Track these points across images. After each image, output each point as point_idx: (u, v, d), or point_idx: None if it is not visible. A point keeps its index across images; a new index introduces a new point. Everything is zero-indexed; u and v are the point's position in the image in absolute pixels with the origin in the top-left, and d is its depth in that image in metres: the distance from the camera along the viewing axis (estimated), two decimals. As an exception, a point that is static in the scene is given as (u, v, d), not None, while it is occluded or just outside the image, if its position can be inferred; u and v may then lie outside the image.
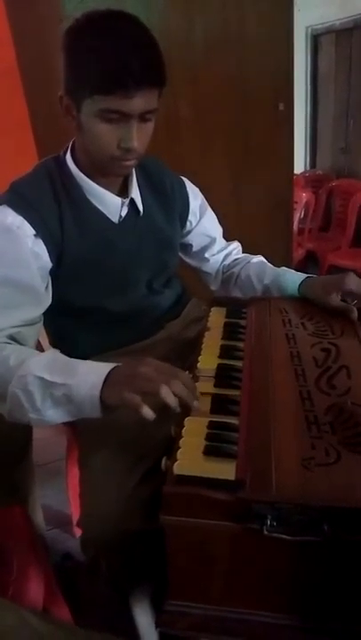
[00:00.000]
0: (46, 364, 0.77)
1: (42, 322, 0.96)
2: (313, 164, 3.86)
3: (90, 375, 0.74)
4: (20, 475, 1.16)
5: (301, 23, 3.27)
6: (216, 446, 0.66)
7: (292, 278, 1.10)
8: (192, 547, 0.64)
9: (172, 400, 0.69)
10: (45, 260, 0.91)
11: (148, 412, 0.69)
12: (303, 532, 0.57)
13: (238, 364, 0.85)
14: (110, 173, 0.94)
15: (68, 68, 0.83)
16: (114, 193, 0.97)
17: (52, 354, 0.82)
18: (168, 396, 0.69)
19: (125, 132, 0.83)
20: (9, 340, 0.85)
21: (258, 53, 1.62)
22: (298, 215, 3.21)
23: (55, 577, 1.09)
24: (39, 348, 1.09)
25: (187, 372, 0.77)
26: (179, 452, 0.66)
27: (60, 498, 1.46)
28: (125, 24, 0.81)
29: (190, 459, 0.65)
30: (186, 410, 0.73)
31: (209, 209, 1.20)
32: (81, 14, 0.82)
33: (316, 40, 3.44)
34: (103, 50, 0.78)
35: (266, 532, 0.58)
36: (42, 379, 0.75)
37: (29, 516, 1.18)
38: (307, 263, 3.32)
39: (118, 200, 0.98)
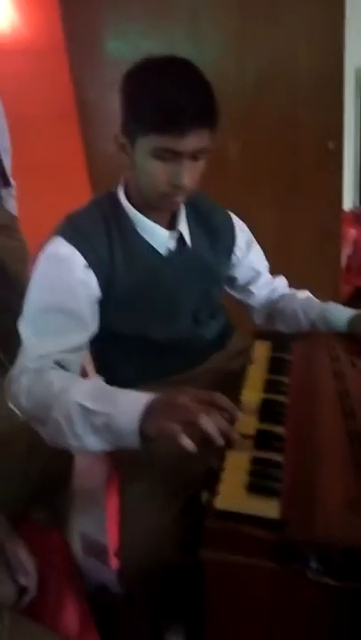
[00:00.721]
0: (88, 392, 0.79)
1: (87, 349, 0.98)
2: (361, 200, 3.83)
3: (130, 405, 0.75)
4: (60, 501, 1.17)
5: (350, 64, 3.31)
6: (260, 483, 0.65)
7: (341, 313, 1.09)
8: (231, 585, 0.62)
9: (211, 428, 0.69)
10: (94, 290, 0.94)
11: (187, 442, 0.69)
12: (348, 578, 0.55)
13: (283, 399, 0.84)
14: (160, 208, 0.97)
15: (126, 107, 0.88)
16: (163, 226, 1.01)
17: (95, 382, 0.84)
18: (208, 424, 0.69)
19: (176, 170, 0.86)
20: (55, 365, 0.88)
21: (308, 92, 1.65)
22: (346, 251, 3.17)
23: (90, 607, 1.08)
24: (84, 374, 1.11)
25: None
26: (221, 486, 0.65)
27: (98, 527, 1.45)
28: (181, 67, 0.86)
29: (232, 494, 0.64)
30: (227, 442, 0.72)
31: (255, 243, 1.21)
32: (140, 58, 0.88)
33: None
34: (159, 91, 0.82)
35: (309, 576, 0.56)
36: (83, 406, 0.76)
37: (67, 543, 1.18)
38: (354, 300, 3.25)
39: (166, 233, 1.01)
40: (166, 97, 0.81)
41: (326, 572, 0.56)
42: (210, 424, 0.69)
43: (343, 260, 3.21)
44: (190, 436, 0.69)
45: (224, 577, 0.61)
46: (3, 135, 1.68)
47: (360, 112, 3.59)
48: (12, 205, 1.79)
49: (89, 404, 0.76)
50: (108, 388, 0.81)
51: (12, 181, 1.76)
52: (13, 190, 1.78)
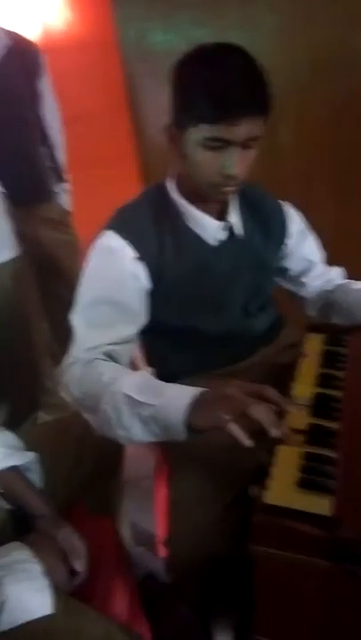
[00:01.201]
0: (136, 384, 0.79)
1: (136, 340, 0.99)
2: None
3: (177, 398, 0.75)
4: (111, 489, 1.19)
5: None
6: (311, 479, 0.64)
7: None
8: (281, 581, 0.61)
9: (264, 417, 0.68)
10: (144, 282, 0.95)
11: (237, 431, 0.68)
12: None
13: (337, 393, 0.82)
14: (211, 199, 0.96)
15: (177, 98, 0.87)
16: (213, 217, 0.99)
17: (143, 374, 0.84)
18: (259, 413, 0.68)
19: (227, 160, 0.85)
20: (104, 357, 0.89)
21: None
22: None
23: (138, 595, 1.10)
24: (134, 366, 1.13)
25: None
26: (270, 481, 0.64)
27: (147, 516, 1.47)
28: (232, 55, 0.84)
29: (282, 489, 0.63)
30: (278, 436, 0.71)
31: (309, 234, 1.18)
32: (191, 48, 0.87)
33: None
34: (209, 80, 0.81)
35: (362, 576, 0.54)
36: (131, 397, 0.77)
37: (118, 530, 1.20)
38: None
39: (216, 224, 0.99)
40: (218, 86, 0.80)
41: (381, 573, 0.54)
42: (261, 413, 0.68)
43: None
44: (242, 428, 0.68)
45: (273, 572, 0.61)
46: (57, 131, 1.71)
47: None
48: (66, 201, 1.83)
49: (136, 396, 0.77)
50: (156, 381, 0.82)
51: (66, 177, 1.79)
52: (67, 186, 1.82)
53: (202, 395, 0.74)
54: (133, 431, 0.78)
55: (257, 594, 0.63)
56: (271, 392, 0.72)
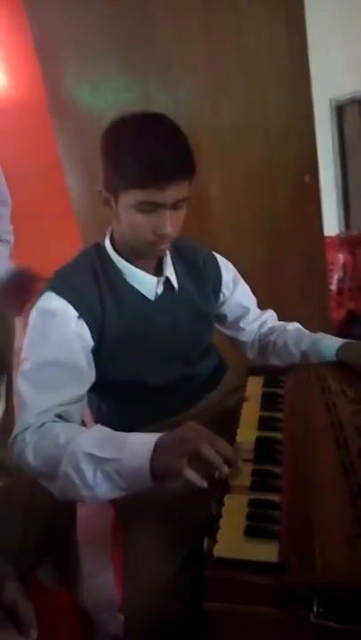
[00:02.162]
0: (96, 440, 0.79)
1: (86, 399, 0.99)
2: (347, 224, 3.91)
3: (138, 447, 0.75)
4: (65, 555, 1.15)
5: (325, 96, 3.44)
6: (257, 526, 0.65)
7: (330, 344, 1.10)
8: (236, 633, 0.61)
9: (215, 458, 0.70)
10: (88, 340, 0.96)
11: (191, 475, 0.70)
12: (353, 620, 0.54)
13: (278, 435, 0.84)
14: (146, 256, 1.00)
15: (107, 165, 0.92)
16: (150, 272, 1.03)
17: (100, 429, 0.83)
18: (210, 453, 0.70)
19: (159, 221, 0.90)
20: (57, 419, 0.88)
21: (282, 132, 1.71)
22: (336, 276, 3.22)
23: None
24: (82, 424, 1.12)
25: None
26: (219, 532, 0.65)
27: (108, 577, 1.42)
28: (156, 123, 0.90)
29: (230, 540, 0.63)
30: (226, 484, 0.73)
31: (241, 280, 1.24)
32: (117, 115, 0.92)
33: (340, 110, 3.59)
34: (137, 148, 0.86)
35: (313, 619, 0.55)
36: (92, 455, 0.76)
37: (75, 598, 1.15)
38: (349, 323, 3.27)
39: (154, 279, 1.03)
40: (145, 154, 0.85)
41: (330, 615, 0.55)
42: (212, 453, 0.70)
43: (334, 285, 3.27)
44: (196, 471, 0.71)
45: (228, 626, 0.60)
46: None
47: (337, 140, 3.72)
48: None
49: (98, 452, 0.76)
50: (114, 433, 0.81)
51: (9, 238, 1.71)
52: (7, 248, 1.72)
53: (161, 441, 0.75)
54: (99, 489, 0.77)
55: (214, 651, 0.62)
56: (222, 445, 0.73)
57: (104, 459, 0.76)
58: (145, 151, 0.85)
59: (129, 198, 0.88)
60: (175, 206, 0.90)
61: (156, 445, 0.74)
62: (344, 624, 0.55)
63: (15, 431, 0.88)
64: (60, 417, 0.89)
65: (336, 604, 0.55)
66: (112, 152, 0.90)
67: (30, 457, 0.83)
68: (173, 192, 0.87)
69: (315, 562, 0.58)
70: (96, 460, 0.76)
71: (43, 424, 0.85)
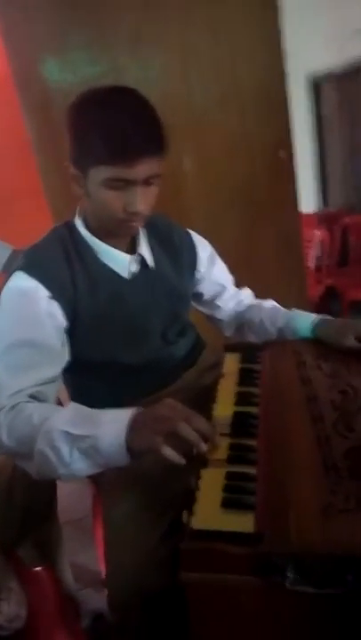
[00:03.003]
0: (70, 418, 0.79)
1: (60, 379, 0.98)
2: (325, 202, 3.92)
3: (113, 424, 0.75)
4: (46, 534, 1.16)
5: (301, 71, 3.40)
6: (234, 498, 0.66)
7: (305, 320, 1.11)
8: (214, 603, 0.62)
9: (192, 435, 0.70)
10: (60, 320, 0.95)
11: (169, 452, 0.70)
12: (326, 584, 0.56)
13: (254, 410, 0.85)
14: (119, 234, 0.99)
15: (74, 140, 0.89)
16: (123, 250, 1.02)
17: (75, 407, 0.83)
18: (187, 431, 0.70)
19: (130, 198, 0.88)
20: (30, 400, 0.87)
21: (255, 105, 1.69)
22: (314, 253, 3.23)
23: (86, 636, 1.06)
24: (59, 404, 1.11)
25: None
26: (196, 505, 0.66)
27: (90, 555, 1.44)
28: (126, 98, 0.87)
29: (208, 512, 0.65)
30: (204, 460, 0.74)
31: (218, 258, 1.23)
32: (85, 89, 0.89)
33: (316, 86, 3.57)
34: (105, 123, 0.83)
35: (288, 586, 0.56)
36: (67, 433, 0.76)
37: (58, 576, 1.16)
38: (327, 299, 3.30)
39: (127, 257, 1.02)
40: (113, 129, 0.83)
41: (304, 580, 0.56)
42: (188, 431, 0.71)
43: (312, 262, 3.29)
44: (174, 448, 0.71)
45: (205, 597, 0.62)
46: None
47: (314, 116, 3.70)
48: None
49: (73, 430, 0.76)
50: (89, 410, 0.81)
51: None
52: None
53: (136, 416, 0.75)
54: (75, 466, 0.77)
55: (192, 619, 0.63)
56: (199, 421, 0.74)
57: (80, 436, 0.76)
58: (112, 126, 0.83)
59: (98, 175, 0.86)
60: (147, 182, 0.88)
61: (132, 422, 0.74)
62: (318, 589, 0.56)
63: None
64: (34, 397, 0.88)
65: (310, 571, 0.57)
66: (78, 127, 0.88)
67: (4, 437, 0.83)
68: (143, 168, 0.85)
69: (290, 531, 0.59)
70: (71, 438, 0.76)
71: (16, 404, 0.85)
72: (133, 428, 0.74)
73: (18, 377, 0.88)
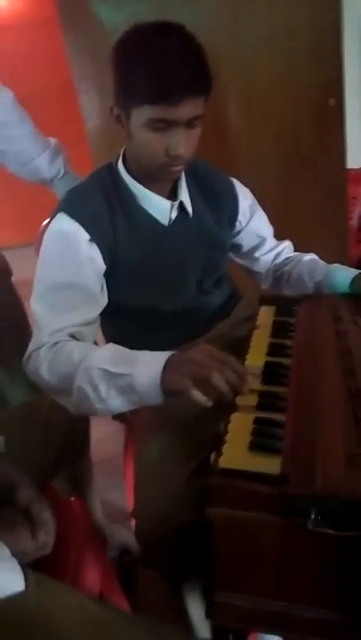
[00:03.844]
0: (108, 357, 0.82)
1: (99, 322, 1.00)
2: (373, 158, 3.73)
3: (150, 364, 0.78)
4: (79, 470, 1.21)
5: (355, 14, 3.18)
6: (262, 441, 0.67)
7: (345, 274, 1.08)
8: (237, 539, 0.65)
9: (222, 385, 0.72)
10: (99, 264, 0.96)
11: (198, 396, 0.72)
12: (347, 528, 0.57)
13: (286, 361, 0.86)
14: (159, 178, 0.98)
15: (118, 79, 0.87)
16: (163, 196, 1.01)
17: (113, 346, 0.86)
18: (219, 381, 0.72)
19: (173, 140, 0.86)
20: (70, 338, 0.90)
21: (306, 49, 1.59)
22: (358, 211, 3.11)
23: (113, 568, 1.13)
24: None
25: None
26: (224, 446, 0.68)
27: (120, 494, 1.51)
28: (172, 35, 0.84)
29: (236, 453, 0.66)
30: (233, 404, 0.75)
31: (259, 209, 1.20)
32: (129, 27, 0.86)
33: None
34: (150, 61, 0.81)
35: (310, 527, 0.58)
36: (105, 370, 0.79)
37: (88, 508, 1.23)
38: (367, 260, 3.20)
39: (168, 203, 1.01)
40: (157, 67, 0.81)
41: (326, 523, 0.58)
42: (221, 381, 0.72)
43: (355, 220, 3.17)
44: (204, 392, 0.73)
45: (230, 531, 0.64)
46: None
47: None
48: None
49: (111, 368, 0.79)
50: (126, 350, 0.84)
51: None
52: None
53: (172, 358, 0.77)
54: (112, 403, 0.81)
55: (216, 553, 0.67)
56: (234, 362, 0.75)
57: (117, 374, 0.79)
58: (157, 64, 0.81)
59: (141, 115, 0.85)
60: (190, 124, 0.86)
61: (167, 363, 0.76)
62: (338, 531, 0.58)
63: (29, 349, 0.91)
64: (73, 337, 0.91)
65: (332, 514, 0.58)
66: (123, 65, 0.86)
67: (45, 373, 0.86)
68: (187, 109, 0.83)
69: (315, 475, 0.60)
70: (109, 375, 0.79)
71: (57, 342, 0.88)
72: (168, 368, 0.76)
73: (59, 317, 0.91)
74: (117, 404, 0.81)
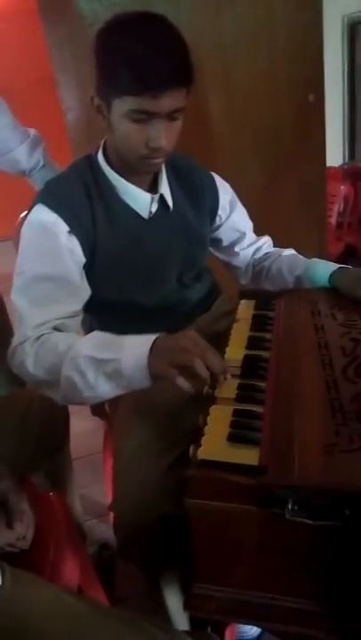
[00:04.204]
0: (94, 343, 0.82)
1: (82, 314, 1.00)
2: (352, 155, 3.77)
3: (136, 347, 0.78)
4: (58, 464, 1.21)
5: (337, 12, 3.20)
6: (240, 433, 0.68)
7: (324, 268, 1.09)
8: (215, 530, 0.65)
9: (204, 372, 0.73)
10: (79, 256, 0.95)
11: (181, 382, 0.73)
12: (325, 517, 0.58)
13: (265, 354, 0.86)
14: (139, 171, 0.97)
15: (99, 69, 0.86)
16: (144, 189, 1.00)
17: (97, 334, 0.87)
18: (200, 368, 0.73)
19: (154, 132, 0.86)
20: (53, 331, 0.90)
21: (287, 46, 1.61)
22: (336, 208, 3.15)
23: (92, 563, 1.13)
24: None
25: None
26: (203, 438, 0.68)
27: (99, 489, 1.51)
28: (154, 26, 0.84)
29: (214, 445, 0.66)
30: (213, 397, 0.76)
31: (239, 204, 1.21)
32: (111, 16, 0.86)
33: (353, 29, 3.35)
34: (132, 52, 0.80)
35: (288, 517, 0.59)
36: (92, 357, 0.80)
37: (67, 503, 1.22)
38: (346, 257, 3.24)
39: (148, 196, 1.00)
40: (139, 58, 0.80)
41: (304, 512, 0.59)
42: (203, 368, 0.73)
43: (334, 218, 3.21)
44: (187, 378, 0.74)
45: (208, 522, 0.65)
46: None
47: (348, 61, 3.50)
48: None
49: (97, 354, 0.80)
50: (111, 336, 0.85)
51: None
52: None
53: (158, 342, 0.78)
54: (100, 389, 0.81)
55: (194, 544, 0.67)
56: (213, 360, 0.75)
57: (104, 360, 0.79)
58: (140, 55, 0.80)
59: (122, 106, 0.84)
60: (171, 117, 0.86)
61: (153, 347, 0.77)
62: (316, 521, 0.58)
63: (13, 343, 0.90)
64: (57, 329, 0.90)
65: (310, 504, 0.59)
66: (105, 55, 0.85)
67: (31, 366, 0.86)
68: (169, 100, 0.83)
69: (293, 465, 0.61)
70: (96, 362, 0.79)
71: (41, 335, 0.88)
72: (153, 353, 0.76)
73: (42, 310, 0.90)
74: (106, 389, 0.81)
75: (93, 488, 1.59)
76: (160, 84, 0.80)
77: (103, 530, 1.51)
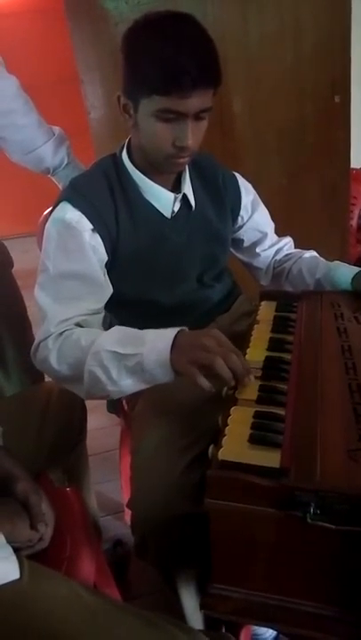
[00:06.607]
0: (117, 338, 0.83)
1: (103, 312, 1.00)
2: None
3: (157, 342, 0.79)
4: (75, 461, 1.21)
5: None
6: (261, 435, 0.67)
7: (345, 272, 1.09)
8: (235, 531, 0.65)
9: (225, 372, 0.73)
10: (102, 253, 0.96)
11: (203, 382, 0.73)
12: (346, 522, 0.57)
13: (287, 356, 0.85)
14: (164, 170, 0.97)
15: (127, 68, 0.87)
16: (167, 188, 1.00)
17: (120, 329, 0.87)
18: (222, 369, 0.73)
19: (180, 131, 0.86)
20: (76, 327, 0.91)
21: (313, 46, 1.60)
22: (358, 211, 3.11)
23: (106, 559, 1.13)
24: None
25: None
26: (224, 439, 0.68)
27: (115, 486, 1.51)
28: (183, 25, 0.84)
29: (235, 446, 0.66)
30: (234, 398, 0.76)
31: (261, 204, 1.20)
32: (139, 16, 0.86)
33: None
34: (161, 51, 0.80)
35: (309, 520, 0.58)
36: (115, 352, 0.80)
37: (83, 499, 1.23)
38: (366, 261, 3.20)
39: (171, 195, 1.00)
40: (168, 58, 0.80)
41: (325, 517, 0.58)
42: (224, 368, 0.73)
43: (355, 220, 3.17)
44: (207, 377, 0.74)
45: (227, 523, 0.64)
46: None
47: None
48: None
49: (119, 349, 0.80)
50: (134, 330, 0.85)
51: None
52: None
53: (180, 338, 0.78)
54: (123, 383, 0.82)
55: (213, 544, 0.67)
56: (235, 361, 0.75)
57: (126, 354, 0.80)
58: (167, 55, 0.80)
59: (150, 105, 0.84)
60: (198, 117, 0.86)
61: (175, 342, 0.77)
62: (337, 525, 0.58)
63: (37, 340, 0.91)
64: (80, 326, 0.91)
65: (331, 508, 0.58)
66: (134, 55, 0.85)
67: (54, 362, 0.87)
68: (197, 101, 0.83)
69: (315, 469, 0.60)
70: (118, 357, 0.80)
71: (63, 331, 0.89)
72: (175, 349, 0.77)
73: (65, 307, 0.91)
74: (129, 383, 0.82)
75: (108, 485, 1.60)
76: (189, 85, 0.80)
77: (117, 527, 1.51)
